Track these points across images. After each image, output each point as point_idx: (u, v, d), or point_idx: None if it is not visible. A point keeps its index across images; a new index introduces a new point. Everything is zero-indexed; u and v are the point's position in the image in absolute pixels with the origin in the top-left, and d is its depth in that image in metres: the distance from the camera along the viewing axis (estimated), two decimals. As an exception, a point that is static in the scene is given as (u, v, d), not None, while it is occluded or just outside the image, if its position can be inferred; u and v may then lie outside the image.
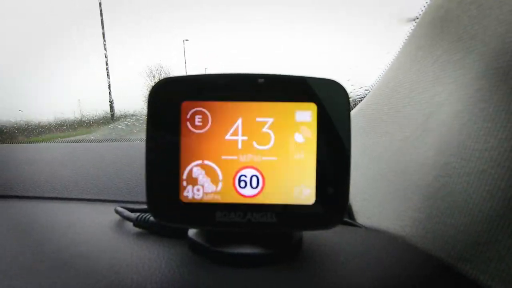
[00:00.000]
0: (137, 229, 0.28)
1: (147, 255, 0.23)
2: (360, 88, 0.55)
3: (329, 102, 0.21)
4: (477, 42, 0.21)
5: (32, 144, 0.74)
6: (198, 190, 0.22)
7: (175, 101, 0.22)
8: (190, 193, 0.22)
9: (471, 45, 0.21)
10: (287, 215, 0.22)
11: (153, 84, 0.22)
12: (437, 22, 0.26)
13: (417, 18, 0.30)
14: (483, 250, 0.19)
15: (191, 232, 0.24)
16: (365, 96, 0.44)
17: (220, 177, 0.22)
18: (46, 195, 0.45)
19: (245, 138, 0.22)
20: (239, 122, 0.22)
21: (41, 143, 0.76)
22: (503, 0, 0.19)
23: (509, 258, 0.18)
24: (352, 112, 0.44)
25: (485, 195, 0.19)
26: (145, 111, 0.22)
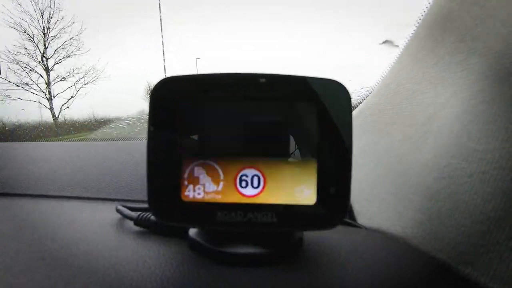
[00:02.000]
0: (137, 228, 0.28)
1: (148, 254, 0.23)
2: (362, 88, 0.55)
3: (330, 102, 0.21)
4: (480, 43, 0.21)
5: (33, 142, 0.75)
6: (199, 189, 0.22)
7: (177, 100, 0.22)
8: (191, 193, 0.22)
9: (473, 46, 0.21)
10: (288, 215, 0.22)
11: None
12: (440, 23, 0.26)
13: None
14: (484, 252, 0.19)
15: (192, 231, 0.24)
16: (366, 97, 0.43)
17: (221, 177, 0.22)
18: (47, 193, 0.46)
19: (246, 137, 0.22)
20: (241, 121, 0.22)
21: (42, 141, 0.76)
22: (506, 1, 0.19)
23: (511, 260, 0.18)
24: (354, 113, 0.43)
25: (486, 197, 0.19)
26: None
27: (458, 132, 0.21)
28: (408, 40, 0.33)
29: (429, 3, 0.29)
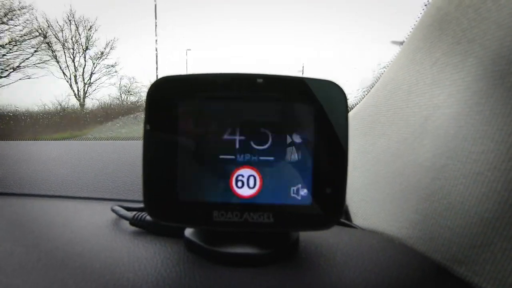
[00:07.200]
0: (133, 228, 0.28)
1: (143, 254, 0.23)
2: (358, 89, 0.55)
3: (327, 103, 0.21)
4: (475, 45, 0.21)
5: (28, 141, 0.74)
6: (195, 189, 0.22)
7: (173, 100, 0.22)
8: (187, 192, 0.22)
9: (469, 48, 0.21)
10: (284, 215, 0.22)
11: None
12: (436, 25, 0.26)
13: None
14: (478, 253, 0.19)
15: (188, 231, 0.24)
16: (363, 98, 0.44)
17: (217, 177, 0.22)
18: (43, 192, 0.45)
19: (242, 138, 0.22)
20: (237, 121, 0.22)
21: (38, 141, 0.76)
22: (502, 4, 0.19)
23: (504, 261, 0.18)
24: (350, 114, 0.44)
25: (481, 198, 0.19)
26: None
27: (454, 133, 0.22)
28: (405, 41, 0.33)
29: (425, 5, 0.30)
